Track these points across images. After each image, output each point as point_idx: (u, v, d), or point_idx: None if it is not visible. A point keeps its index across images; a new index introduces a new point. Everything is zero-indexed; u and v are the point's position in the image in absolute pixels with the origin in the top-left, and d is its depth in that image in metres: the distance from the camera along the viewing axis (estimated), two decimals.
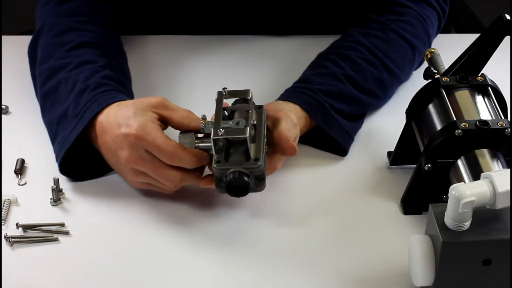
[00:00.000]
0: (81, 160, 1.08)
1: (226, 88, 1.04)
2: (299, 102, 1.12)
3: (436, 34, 1.31)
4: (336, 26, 1.33)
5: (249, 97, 1.03)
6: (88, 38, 1.18)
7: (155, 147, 0.99)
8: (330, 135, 1.13)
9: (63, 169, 1.07)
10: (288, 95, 1.14)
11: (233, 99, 1.04)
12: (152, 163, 1.00)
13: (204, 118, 1.01)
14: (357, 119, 1.18)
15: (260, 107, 1.04)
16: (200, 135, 1.03)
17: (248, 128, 0.98)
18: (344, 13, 1.34)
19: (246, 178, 0.96)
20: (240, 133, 0.98)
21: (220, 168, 0.97)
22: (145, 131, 0.99)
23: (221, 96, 1.03)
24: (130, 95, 1.13)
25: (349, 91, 1.16)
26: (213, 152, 0.98)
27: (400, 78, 1.22)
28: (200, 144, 1.01)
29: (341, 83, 1.16)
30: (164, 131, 1.02)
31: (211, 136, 0.98)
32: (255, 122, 1.01)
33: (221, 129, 0.98)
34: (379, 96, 1.20)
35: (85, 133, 1.06)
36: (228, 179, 0.96)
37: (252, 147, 0.98)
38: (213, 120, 1.01)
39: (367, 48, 1.20)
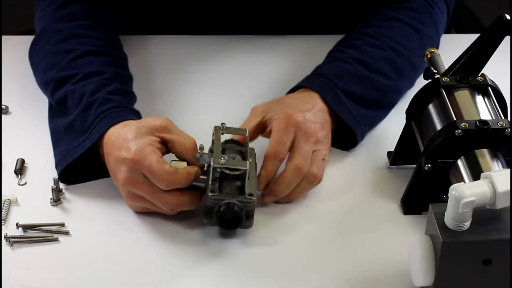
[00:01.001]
0: (79, 169, 1.08)
1: (224, 124, 1.05)
2: (311, 85, 1.13)
3: (447, 22, 1.31)
4: (339, 25, 1.33)
5: (246, 135, 1.05)
6: (92, 46, 1.17)
7: (150, 173, 0.98)
8: (340, 124, 1.12)
9: (61, 177, 1.07)
10: (301, 81, 1.16)
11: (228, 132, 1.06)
12: (149, 186, 1.00)
13: (201, 148, 1.01)
14: (373, 107, 1.17)
15: (252, 149, 1.06)
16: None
17: (248, 162, 1.00)
18: (347, 12, 1.34)
19: (239, 211, 0.97)
20: (242, 165, 0.99)
21: (215, 198, 0.98)
22: (141, 155, 0.99)
23: (218, 130, 1.04)
24: (136, 112, 1.12)
25: (359, 71, 1.16)
26: (208, 182, 0.99)
27: (411, 60, 1.21)
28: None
29: (350, 65, 1.16)
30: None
31: (212, 164, 0.99)
32: (250, 160, 1.02)
33: (222, 159, 0.99)
34: (390, 75, 1.18)
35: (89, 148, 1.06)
36: (221, 209, 0.97)
37: (246, 183, 0.99)
38: (209, 152, 1.02)
39: (370, 36, 1.21)
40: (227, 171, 0.99)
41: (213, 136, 1.04)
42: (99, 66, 1.14)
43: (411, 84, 1.23)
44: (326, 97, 1.12)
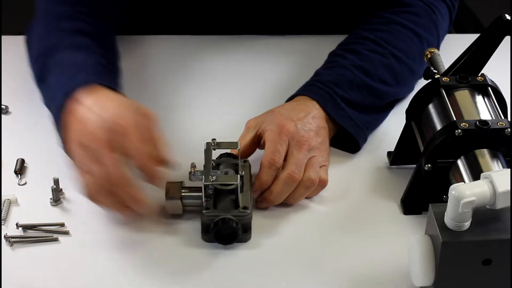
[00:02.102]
0: None
1: (215, 139, 1.05)
2: (310, 94, 1.13)
3: (449, 27, 1.31)
4: (340, 26, 1.33)
5: (238, 148, 1.05)
6: (85, 28, 1.16)
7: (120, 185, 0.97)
8: (342, 128, 1.12)
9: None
10: (300, 89, 1.15)
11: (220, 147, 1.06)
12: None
13: (193, 166, 1.02)
14: (372, 111, 1.17)
15: (245, 161, 1.06)
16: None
17: (238, 176, 1.00)
18: (347, 12, 1.34)
19: (235, 225, 0.98)
20: (232, 180, 1.00)
21: (210, 215, 0.98)
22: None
23: (209, 146, 1.04)
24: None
25: (359, 79, 1.16)
26: (202, 200, 1.00)
27: (411, 67, 1.21)
28: (187, 194, 1.02)
29: (350, 72, 1.16)
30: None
31: (203, 182, 0.99)
32: (243, 173, 1.03)
33: (212, 176, 0.99)
34: (390, 83, 1.18)
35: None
36: (217, 225, 0.98)
37: (240, 197, 1.00)
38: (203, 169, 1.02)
39: (371, 41, 1.20)
40: (220, 187, 1.00)
41: (205, 153, 1.04)
42: (89, 44, 1.13)
43: (409, 89, 1.23)
44: (326, 106, 1.12)
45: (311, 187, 1.05)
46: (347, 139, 1.14)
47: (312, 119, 1.10)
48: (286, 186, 1.04)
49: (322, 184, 1.07)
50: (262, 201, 1.05)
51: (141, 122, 0.99)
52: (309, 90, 1.14)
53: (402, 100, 1.21)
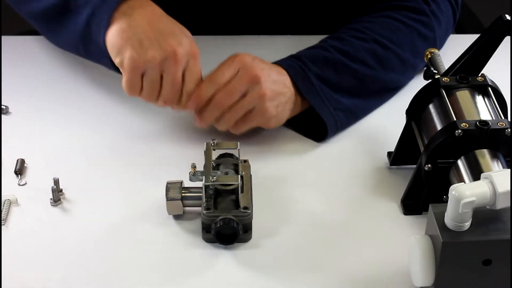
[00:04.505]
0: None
1: (215, 140, 1.05)
2: (282, 63, 1.13)
3: (453, 26, 1.31)
4: (339, 26, 1.33)
5: (237, 148, 1.05)
6: None
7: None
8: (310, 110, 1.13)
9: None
10: (275, 62, 1.16)
11: (220, 146, 1.07)
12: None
13: (194, 166, 1.02)
14: (351, 95, 1.17)
15: (245, 161, 1.06)
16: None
17: (239, 176, 1.01)
18: (347, 12, 1.34)
19: (235, 226, 0.98)
20: (232, 180, 1.00)
21: (210, 215, 0.98)
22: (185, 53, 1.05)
23: (209, 146, 1.05)
24: None
25: (336, 58, 1.16)
26: (203, 200, 1.00)
27: (398, 54, 1.20)
28: (187, 194, 1.02)
29: (328, 52, 1.17)
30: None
31: (203, 182, 0.99)
32: (243, 173, 1.03)
33: (212, 176, 1.00)
34: (373, 66, 1.18)
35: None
36: (218, 226, 0.98)
37: (240, 197, 1.00)
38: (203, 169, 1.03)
39: (356, 30, 1.21)
40: (221, 187, 1.00)
41: (204, 153, 1.04)
42: None
43: (404, 79, 1.22)
44: (295, 77, 1.12)
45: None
46: (318, 123, 1.14)
47: (276, 74, 1.11)
48: (208, 86, 1.08)
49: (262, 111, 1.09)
50: (196, 119, 1.09)
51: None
52: (283, 61, 1.15)
53: (403, 100, 1.21)
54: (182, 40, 1.05)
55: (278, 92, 1.10)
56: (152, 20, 1.07)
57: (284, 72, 1.13)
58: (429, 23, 1.25)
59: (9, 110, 1.21)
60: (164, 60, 1.04)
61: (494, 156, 0.99)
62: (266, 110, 1.09)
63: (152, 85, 1.06)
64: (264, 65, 1.11)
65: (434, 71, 1.08)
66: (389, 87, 1.22)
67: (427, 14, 1.25)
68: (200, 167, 1.03)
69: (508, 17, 1.02)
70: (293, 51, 1.28)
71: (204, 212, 0.99)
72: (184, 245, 1.01)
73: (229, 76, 1.09)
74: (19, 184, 1.09)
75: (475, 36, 1.05)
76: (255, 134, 1.16)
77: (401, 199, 1.07)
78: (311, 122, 1.16)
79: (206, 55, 1.13)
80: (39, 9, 1.15)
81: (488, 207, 0.88)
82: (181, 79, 1.06)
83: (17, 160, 1.11)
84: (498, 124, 0.99)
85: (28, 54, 1.30)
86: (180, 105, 1.08)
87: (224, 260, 0.99)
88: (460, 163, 1.00)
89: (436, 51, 1.11)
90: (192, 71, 1.07)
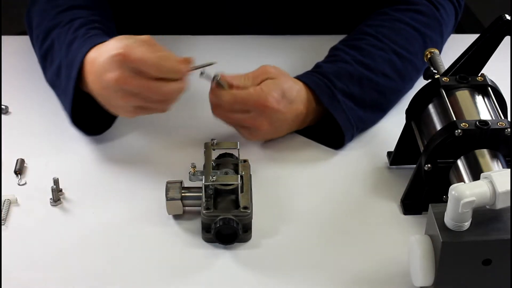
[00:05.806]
0: (90, 111, 1.12)
1: (214, 140, 1.06)
2: (307, 80, 1.14)
3: (454, 26, 1.31)
4: (341, 26, 1.33)
5: (237, 148, 1.05)
6: (81, 2, 1.21)
7: (142, 61, 1.01)
8: (334, 122, 1.13)
9: (76, 122, 1.12)
10: (297, 76, 1.16)
11: (219, 145, 1.07)
12: (140, 79, 1.02)
13: (193, 166, 1.02)
14: (369, 109, 1.17)
15: (245, 161, 1.06)
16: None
17: (239, 176, 1.01)
18: (348, 12, 1.34)
19: (235, 225, 0.98)
20: (232, 180, 1.00)
21: (210, 215, 0.98)
22: (131, 49, 1.02)
23: (209, 146, 1.05)
24: None
25: (360, 72, 1.16)
26: (203, 200, 1.00)
27: (415, 64, 1.21)
28: (187, 194, 1.02)
29: (351, 66, 1.16)
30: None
31: (203, 182, 1.00)
32: (242, 173, 1.03)
33: (212, 176, 1.00)
34: (393, 77, 1.18)
35: (81, 81, 1.09)
36: (217, 225, 0.98)
37: (240, 197, 1.00)
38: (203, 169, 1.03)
39: (373, 36, 1.21)
40: (220, 187, 1.00)
41: (204, 153, 1.04)
42: (85, 14, 1.18)
43: (412, 85, 1.23)
44: (321, 96, 1.12)
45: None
46: (333, 134, 1.14)
47: (288, 102, 1.11)
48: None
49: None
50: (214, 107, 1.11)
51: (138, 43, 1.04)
52: (307, 77, 1.15)
53: (402, 100, 1.21)
54: (122, 43, 1.05)
55: (280, 120, 1.12)
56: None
57: (303, 94, 1.13)
58: (439, 29, 1.25)
59: (9, 110, 1.21)
60: (116, 68, 1.03)
61: (494, 156, 0.99)
62: (257, 135, 1.12)
63: (138, 98, 1.05)
64: (281, 90, 1.11)
65: (434, 71, 1.08)
66: (401, 96, 1.22)
67: (438, 19, 1.25)
68: (200, 167, 1.03)
69: (508, 17, 1.02)
70: (294, 51, 1.28)
71: (204, 212, 0.99)
72: (184, 245, 1.01)
73: (247, 84, 1.11)
74: (19, 184, 1.09)
75: (475, 36, 1.05)
76: None
77: (401, 199, 1.07)
78: (322, 127, 1.16)
79: (206, 55, 1.13)
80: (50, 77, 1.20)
81: (488, 207, 0.88)
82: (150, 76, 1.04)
83: (17, 160, 1.11)
84: (498, 124, 0.99)
85: (28, 54, 1.29)
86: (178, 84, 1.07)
87: (224, 260, 0.99)
88: (460, 163, 1.00)
89: (436, 51, 1.11)
90: (153, 56, 1.04)
